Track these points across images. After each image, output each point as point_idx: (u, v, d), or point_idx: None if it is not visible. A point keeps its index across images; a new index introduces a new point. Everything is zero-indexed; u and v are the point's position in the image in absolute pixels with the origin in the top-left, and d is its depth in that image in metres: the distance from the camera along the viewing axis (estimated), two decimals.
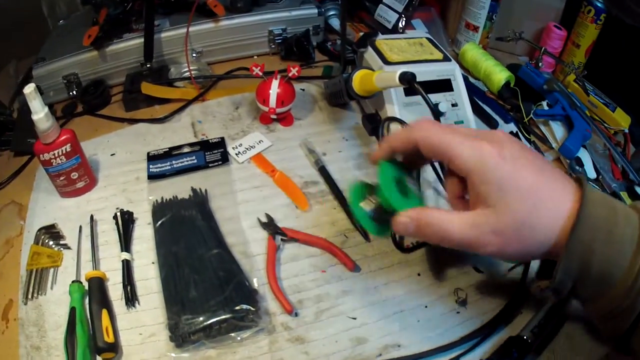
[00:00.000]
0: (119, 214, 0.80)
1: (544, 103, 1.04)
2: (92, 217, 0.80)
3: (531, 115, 1.02)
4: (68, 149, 0.78)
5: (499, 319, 0.75)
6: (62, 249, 0.77)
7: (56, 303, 0.70)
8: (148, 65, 1.01)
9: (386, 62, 0.88)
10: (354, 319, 0.72)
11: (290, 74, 0.89)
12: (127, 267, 0.74)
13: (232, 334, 0.67)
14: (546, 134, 1.02)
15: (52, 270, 0.74)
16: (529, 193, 0.48)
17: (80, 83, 1.02)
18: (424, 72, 0.89)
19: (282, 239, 0.80)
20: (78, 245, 0.76)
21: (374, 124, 0.88)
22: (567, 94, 1.04)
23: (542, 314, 0.74)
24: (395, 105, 0.86)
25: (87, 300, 0.69)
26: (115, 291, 0.71)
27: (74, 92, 1.01)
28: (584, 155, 1.00)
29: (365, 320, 0.72)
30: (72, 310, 0.66)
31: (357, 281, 0.77)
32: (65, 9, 1.12)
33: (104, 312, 0.67)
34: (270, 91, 0.89)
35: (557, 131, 1.02)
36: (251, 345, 0.67)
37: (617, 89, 1.12)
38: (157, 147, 0.92)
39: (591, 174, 0.99)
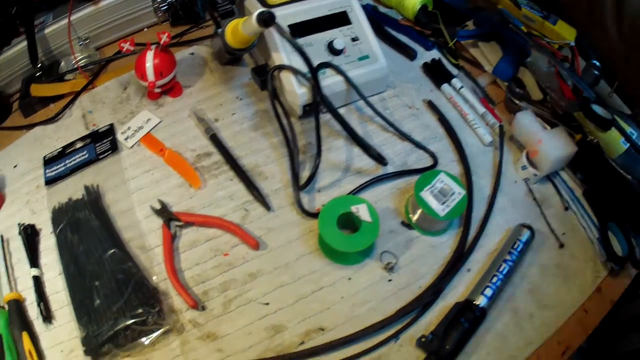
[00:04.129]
0: (22, 229, 0.64)
1: (470, 23, 0.80)
2: (1, 237, 0.65)
3: (456, 38, 0.77)
4: None
5: (441, 281, 0.57)
6: None
7: None
8: (39, 66, 0.81)
9: (266, 5, 0.66)
10: (267, 304, 0.56)
11: (162, 42, 0.67)
12: (37, 283, 0.60)
13: (141, 339, 0.54)
14: (477, 56, 0.78)
15: None
16: None
17: None
18: (313, 9, 0.68)
19: (177, 226, 0.62)
20: None
21: (263, 76, 0.66)
22: (497, 10, 0.78)
23: (494, 271, 0.57)
24: (282, 51, 0.65)
25: None
26: (33, 310, 0.58)
27: None
28: (525, 75, 0.76)
29: (280, 304, 0.57)
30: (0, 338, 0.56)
31: (264, 260, 0.60)
32: None
33: (25, 335, 0.56)
34: (147, 64, 0.68)
35: (489, 53, 0.78)
36: (163, 349, 0.54)
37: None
38: (53, 148, 0.73)
39: (536, 94, 0.75)
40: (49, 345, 0.55)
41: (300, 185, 0.62)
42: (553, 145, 0.65)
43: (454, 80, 0.74)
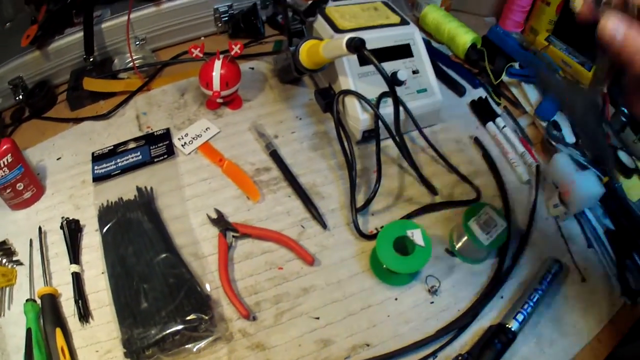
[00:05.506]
0: (64, 223, 0.64)
1: (516, 64, 0.83)
2: (40, 229, 0.64)
3: (502, 76, 0.81)
4: (9, 160, 0.62)
5: (477, 306, 0.60)
6: (15, 265, 0.62)
7: (15, 324, 0.56)
8: (91, 59, 0.81)
9: (337, 30, 0.68)
10: (317, 318, 0.58)
11: (232, 52, 0.68)
12: (77, 280, 0.59)
13: (188, 346, 0.54)
14: (518, 97, 0.81)
15: (7, 289, 0.60)
16: None
17: (27, 86, 0.83)
18: (380, 38, 0.70)
19: (233, 236, 0.63)
20: (30, 261, 0.62)
21: (328, 99, 0.68)
22: (542, 55, 0.82)
23: (526, 298, 0.60)
24: (349, 76, 0.66)
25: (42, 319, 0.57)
26: (68, 307, 0.58)
27: (21, 97, 0.82)
28: (560, 118, 0.79)
29: (330, 319, 0.58)
30: (28, 332, 0.54)
31: (318, 276, 0.61)
32: (11, 10, 0.90)
33: (58, 332, 0.54)
34: (213, 73, 0.69)
35: (530, 94, 0.80)
36: (209, 356, 0.54)
37: (590, 48, 0.90)
38: (102, 145, 0.73)
39: (569, 138, 0.78)
40: (83, 345, 0.55)
41: (357, 207, 0.64)
42: (584, 188, 0.67)
43: (499, 120, 0.77)
